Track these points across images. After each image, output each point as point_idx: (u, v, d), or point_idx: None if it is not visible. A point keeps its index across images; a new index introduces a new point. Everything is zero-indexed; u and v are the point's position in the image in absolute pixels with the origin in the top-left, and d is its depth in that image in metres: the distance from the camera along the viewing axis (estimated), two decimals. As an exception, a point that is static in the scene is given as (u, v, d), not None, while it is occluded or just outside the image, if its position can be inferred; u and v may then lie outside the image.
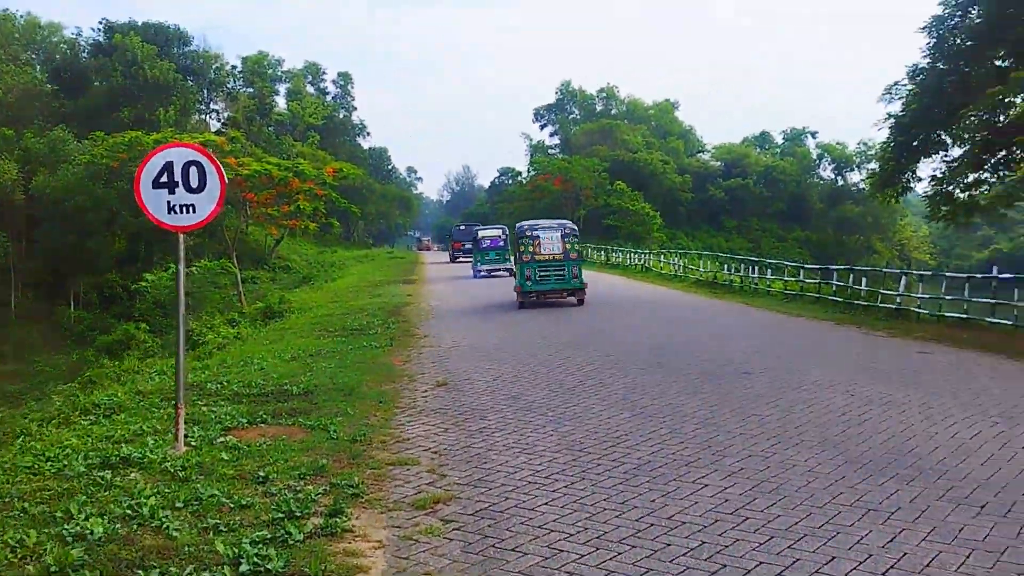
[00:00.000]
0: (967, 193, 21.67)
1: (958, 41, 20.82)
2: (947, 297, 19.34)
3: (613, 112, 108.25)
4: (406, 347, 14.41)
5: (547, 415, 8.72)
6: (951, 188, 21.75)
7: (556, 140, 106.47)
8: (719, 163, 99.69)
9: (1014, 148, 19.12)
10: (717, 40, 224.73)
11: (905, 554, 4.75)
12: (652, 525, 5.32)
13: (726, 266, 32.81)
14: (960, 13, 20.76)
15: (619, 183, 77.82)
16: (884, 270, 27.52)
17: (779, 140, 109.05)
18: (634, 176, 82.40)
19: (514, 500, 5.89)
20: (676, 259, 40.32)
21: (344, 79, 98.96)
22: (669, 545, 4.98)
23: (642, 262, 43.34)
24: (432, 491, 6.10)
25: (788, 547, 4.89)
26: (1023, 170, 18.43)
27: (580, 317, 19.60)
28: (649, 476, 6.42)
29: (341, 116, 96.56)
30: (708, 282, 31.47)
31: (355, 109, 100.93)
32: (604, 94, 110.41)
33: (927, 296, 19.96)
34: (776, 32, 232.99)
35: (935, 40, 21.31)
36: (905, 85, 22.30)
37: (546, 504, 5.79)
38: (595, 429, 8.04)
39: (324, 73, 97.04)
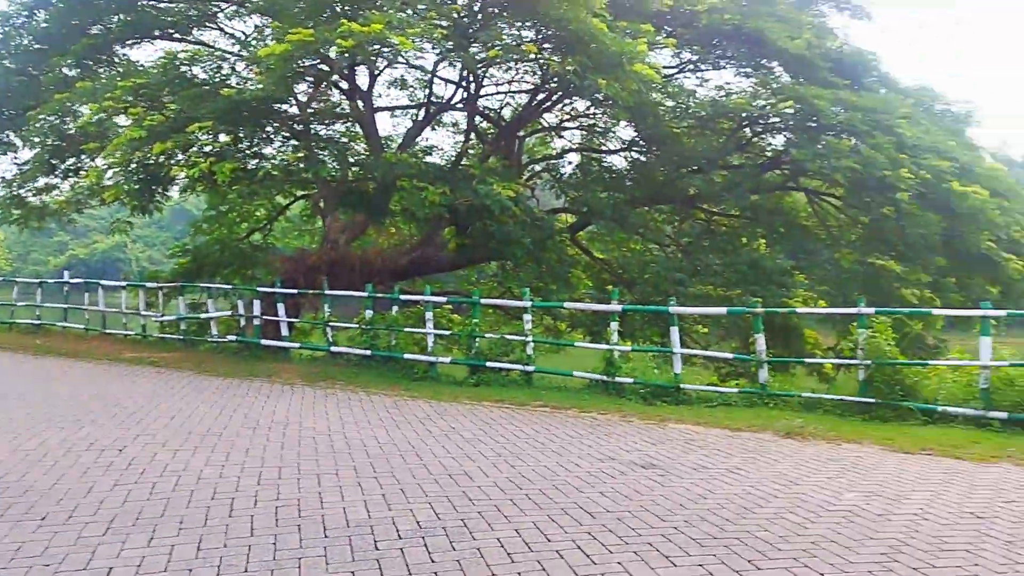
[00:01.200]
0: (39, 197, 21.42)
1: (25, 42, 20.32)
2: (20, 303, 18.83)
3: None
4: None
5: None
6: (23, 192, 21.15)
7: None
8: None
9: (82, 155, 19.62)
10: None
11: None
12: None
13: None
14: (27, 13, 20.30)
15: None
16: (-50, 276, 25.35)
17: None
18: None
19: None
20: None
21: None
22: None
23: None
24: None
25: None
26: (91, 177, 18.96)
27: None
28: None
29: None
30: None
31: None
32: None
33: (2, 303, 19.13)
34: None
35: (1, 36, 20.38)
36: (-34, 79, 20.65)
37: None
38: None
39: None
